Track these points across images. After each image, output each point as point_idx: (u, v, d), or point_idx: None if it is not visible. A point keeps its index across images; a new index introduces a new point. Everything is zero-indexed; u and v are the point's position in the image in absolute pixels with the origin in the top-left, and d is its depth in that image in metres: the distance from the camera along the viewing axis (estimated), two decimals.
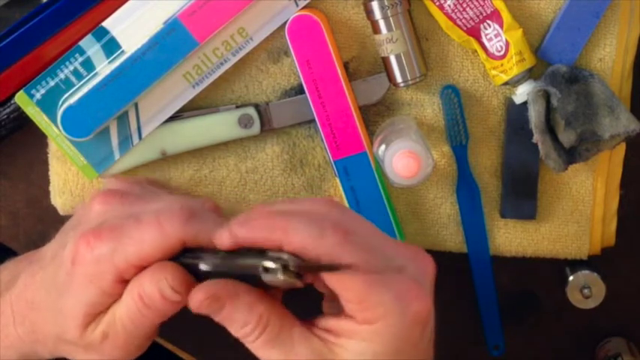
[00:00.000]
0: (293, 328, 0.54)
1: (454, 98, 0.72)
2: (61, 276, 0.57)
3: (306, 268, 0.52)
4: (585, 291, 0.76)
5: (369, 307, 0.52)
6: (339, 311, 0.55)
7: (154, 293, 0.55)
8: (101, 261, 0.55)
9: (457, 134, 0.72)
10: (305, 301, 0.56)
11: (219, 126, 0.72)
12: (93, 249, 0.56)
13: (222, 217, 0.58)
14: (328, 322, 0.54)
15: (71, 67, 0.69)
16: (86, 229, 0.57)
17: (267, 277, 0.51)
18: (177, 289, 0.55)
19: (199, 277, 0.55)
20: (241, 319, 0.53)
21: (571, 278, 0.76)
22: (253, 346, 0.54)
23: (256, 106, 0.72)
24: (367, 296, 0.52)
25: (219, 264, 0.54)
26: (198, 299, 0.53)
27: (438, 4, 0.69)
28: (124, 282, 0.56)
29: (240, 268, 0.53)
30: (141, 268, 0.56)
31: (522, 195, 0.73)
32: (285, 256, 0.51)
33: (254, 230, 0.52)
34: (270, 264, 0.51)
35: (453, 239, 0.75)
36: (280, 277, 0.50)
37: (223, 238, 0.53)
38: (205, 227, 0.55)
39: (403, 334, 0.52)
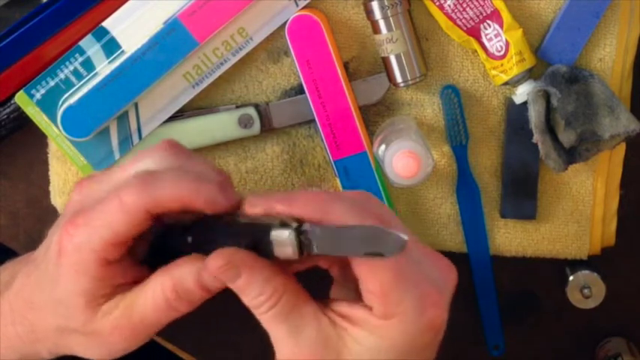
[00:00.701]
0: (306, 306, 0.54)
1: (454, 98, 0.72)
2: (51, 269, 0.57)
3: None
4: (585, 291, 0.76)
5: (391, 302, 0.52)
6: (350, 297, 0.55)
7: (188, 283, 0.54)
8: (82, 248, 0.55)
9: (457, 134, 0.72)
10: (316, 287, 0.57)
11: (219, 126, 0.71)
12: (72, 237, 0.56)
13: (182, 154, 0.57)
14: (342, 306, 0.54)
15: (71, 67, 0.69)
16: (66, 220, 0.57)
17: (275, 233, 0.51)
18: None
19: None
20: (256, 289, 0.53)
21: (571, 278, 0.76)
22: (264, 317, 0.54)
23: (256, 106, 0.72)
24: (392, 291, 0.52)
25: (232, 230, 0.53)
26: (216, 265, 0.52)
27: (438, 4, 0.69)
28: (111, 263, 0.56)
29: (251, 227, 0.52)
30: (121, 245, 0.55)
31: (522, 195, 0.73)
32: (294, 223, 0.51)
33: (294, 206, 0.52)
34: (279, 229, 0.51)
35: (453, 239, 0.75)
36: (285, 235, 0.51)
37: (257, 208, 0.53)
38: (164, 187, 0.54)
39: (415, 337, 0.53)
